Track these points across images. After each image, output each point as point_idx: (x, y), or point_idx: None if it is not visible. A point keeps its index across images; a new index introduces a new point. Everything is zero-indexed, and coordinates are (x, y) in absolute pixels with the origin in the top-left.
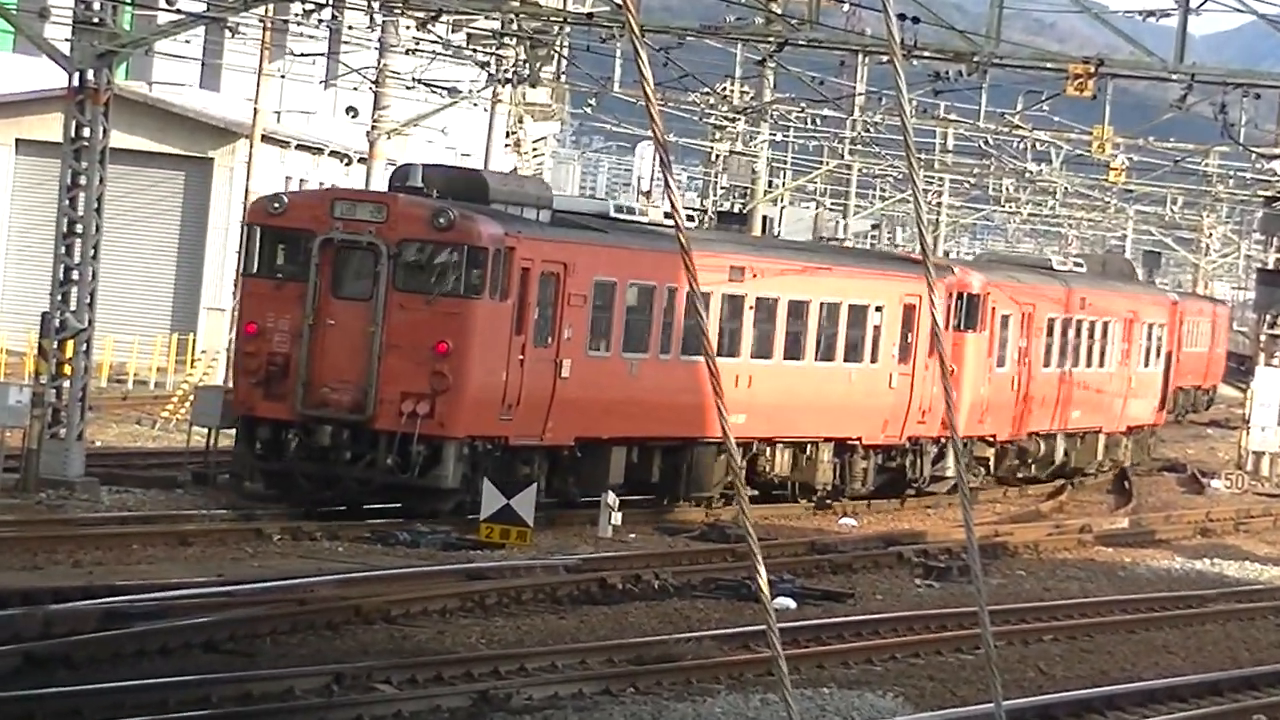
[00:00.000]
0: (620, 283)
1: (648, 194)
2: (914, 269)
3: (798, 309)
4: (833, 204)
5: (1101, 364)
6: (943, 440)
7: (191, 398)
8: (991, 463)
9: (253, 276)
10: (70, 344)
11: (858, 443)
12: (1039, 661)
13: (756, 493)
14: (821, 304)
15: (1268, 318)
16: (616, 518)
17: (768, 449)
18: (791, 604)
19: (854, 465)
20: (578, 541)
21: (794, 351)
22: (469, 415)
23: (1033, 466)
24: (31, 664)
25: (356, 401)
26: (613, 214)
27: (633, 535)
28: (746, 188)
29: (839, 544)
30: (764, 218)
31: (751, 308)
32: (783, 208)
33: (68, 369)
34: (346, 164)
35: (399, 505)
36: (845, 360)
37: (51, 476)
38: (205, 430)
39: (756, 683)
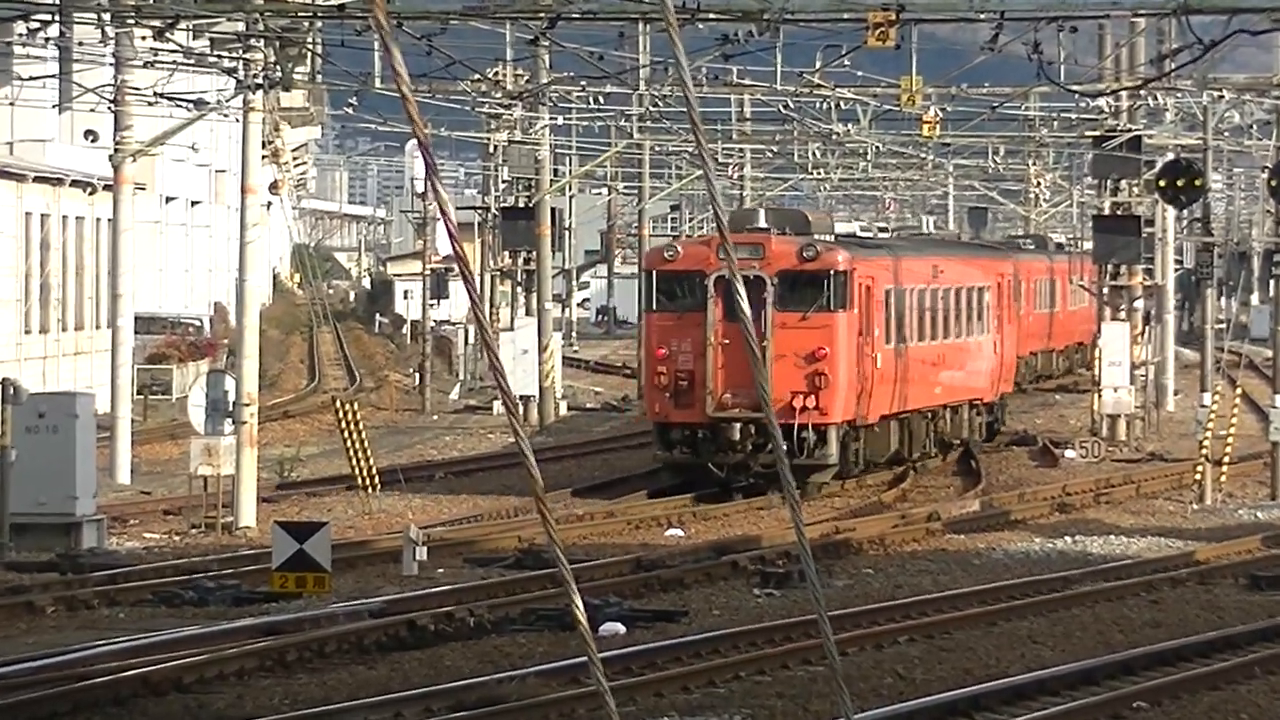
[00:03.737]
0: (894, 287)
1: (422, 196)
2: (998, 253)
3: (959, 295)
4: (626, 188)
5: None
6: (1002, 397)
7: None
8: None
9: (655, 311)
10: None
11: (979, 401)
12: (895, 666)
13: (937, 454)
14: (967, 289)
15: (1109, 268)
16: (421, 553)
17: (946, 413)
18: (620, 629)
19: (973, 421)
20: (381, 582)
21: (959, 330)
22: (842, 404)
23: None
24: None
25: (754, 403)
26: (858, 234)
27: (440, 570)
28: (531, 179)
29: (667, 558)
30: (552, 210)
31: (943, 298)
32: (572, 197)
33: None
34: (90, 193)
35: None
36: (979, 334)
37: None
38: None
39: (589, 719)
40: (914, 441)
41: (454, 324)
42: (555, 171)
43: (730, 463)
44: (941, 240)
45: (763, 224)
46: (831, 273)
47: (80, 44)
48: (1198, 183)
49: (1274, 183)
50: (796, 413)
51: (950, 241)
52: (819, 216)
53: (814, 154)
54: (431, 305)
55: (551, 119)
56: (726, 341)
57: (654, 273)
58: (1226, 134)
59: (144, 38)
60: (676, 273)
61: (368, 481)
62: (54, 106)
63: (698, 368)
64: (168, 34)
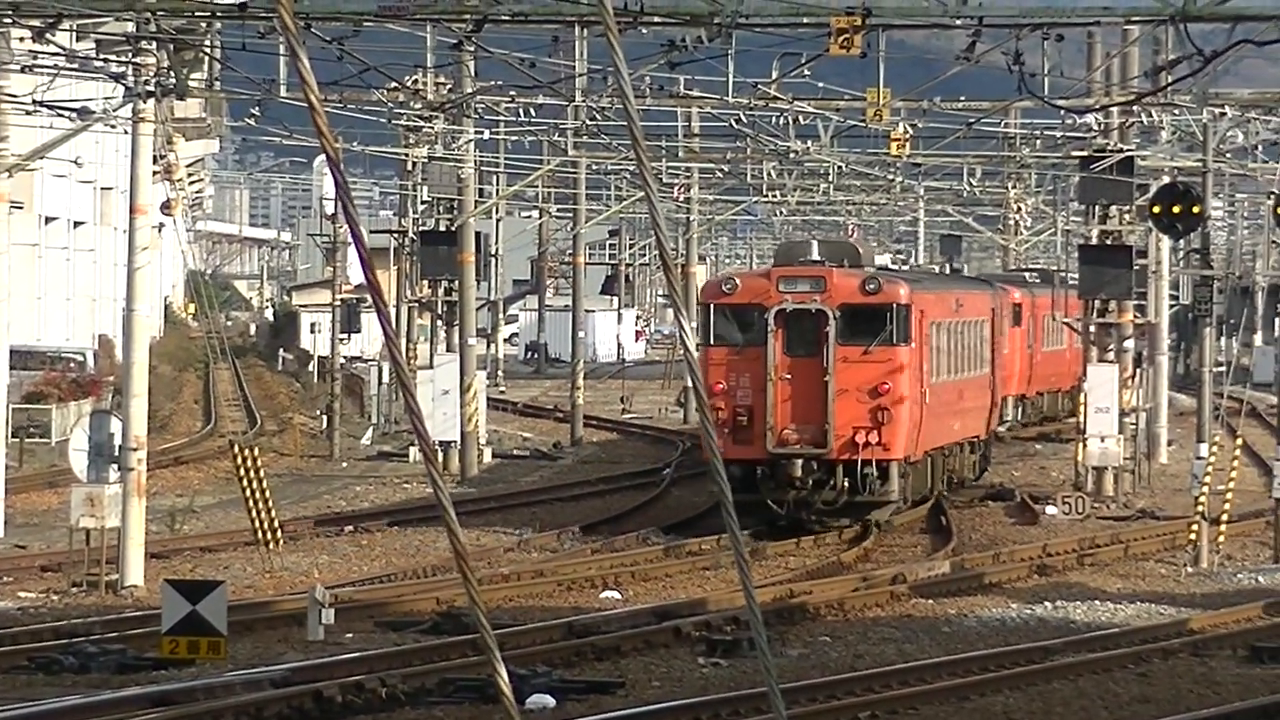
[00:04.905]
0: (934, 321)
1: (332, 218)
2: (991, 286)
3: (971, 330)
4: (560, 210)
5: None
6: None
7: None
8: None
9: (711, 345)
10: None
11: (976, 439)
12: None
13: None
14: (974, 323)
15: (1096, 304)
16: (327, 616)
17: (956, 450)
18: (550, 701)
19: (968, 458)
20: (283, 648)
21: (971, 365)
22: (904, 439)
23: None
24: None
25: (816, 438)
26: (889, 265)
27: (349, 635)
28: (454, 199)
29: (602, 623)
30: (477, 234)
31: (961, 333)
32: (499, 220)
33: None
34: None
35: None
36: (982, 369)
37: None
38: None
39: None
40: (936, 479)
41: (366, 361)
42: (480, 191)
43: (790, 500)
44: (951, 274)
45: (816, 256)
46: (894, 306)
47: None
48: (1196, 209)
49: None
50: (860, 448)
51: (959, 275)
52: (866, 249)
53: (769, 174)
54: (341, 340)
55: (477, 133)
56: (788, 376)
57: (711, 306)
58: (1229, 155)
59: (21, 39)
60: (735, 306)
61: (269, 536)
62: None
63: (757, 403)
64: (48, 34)
